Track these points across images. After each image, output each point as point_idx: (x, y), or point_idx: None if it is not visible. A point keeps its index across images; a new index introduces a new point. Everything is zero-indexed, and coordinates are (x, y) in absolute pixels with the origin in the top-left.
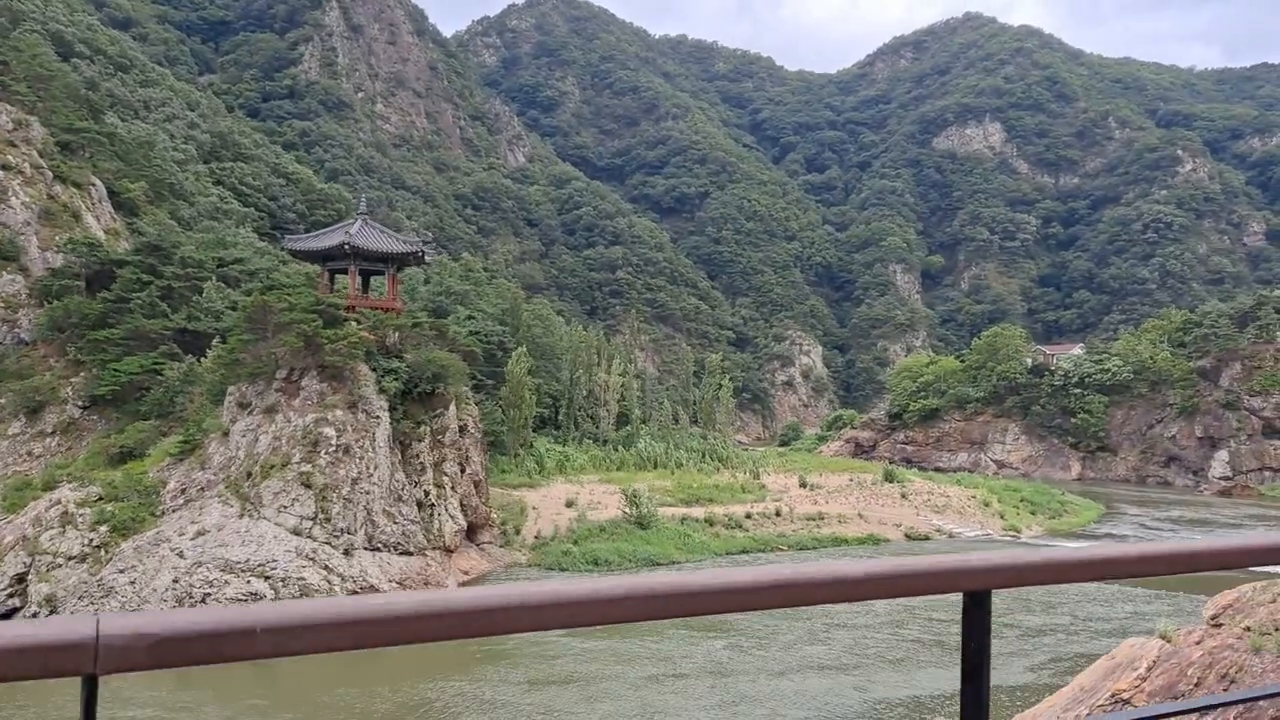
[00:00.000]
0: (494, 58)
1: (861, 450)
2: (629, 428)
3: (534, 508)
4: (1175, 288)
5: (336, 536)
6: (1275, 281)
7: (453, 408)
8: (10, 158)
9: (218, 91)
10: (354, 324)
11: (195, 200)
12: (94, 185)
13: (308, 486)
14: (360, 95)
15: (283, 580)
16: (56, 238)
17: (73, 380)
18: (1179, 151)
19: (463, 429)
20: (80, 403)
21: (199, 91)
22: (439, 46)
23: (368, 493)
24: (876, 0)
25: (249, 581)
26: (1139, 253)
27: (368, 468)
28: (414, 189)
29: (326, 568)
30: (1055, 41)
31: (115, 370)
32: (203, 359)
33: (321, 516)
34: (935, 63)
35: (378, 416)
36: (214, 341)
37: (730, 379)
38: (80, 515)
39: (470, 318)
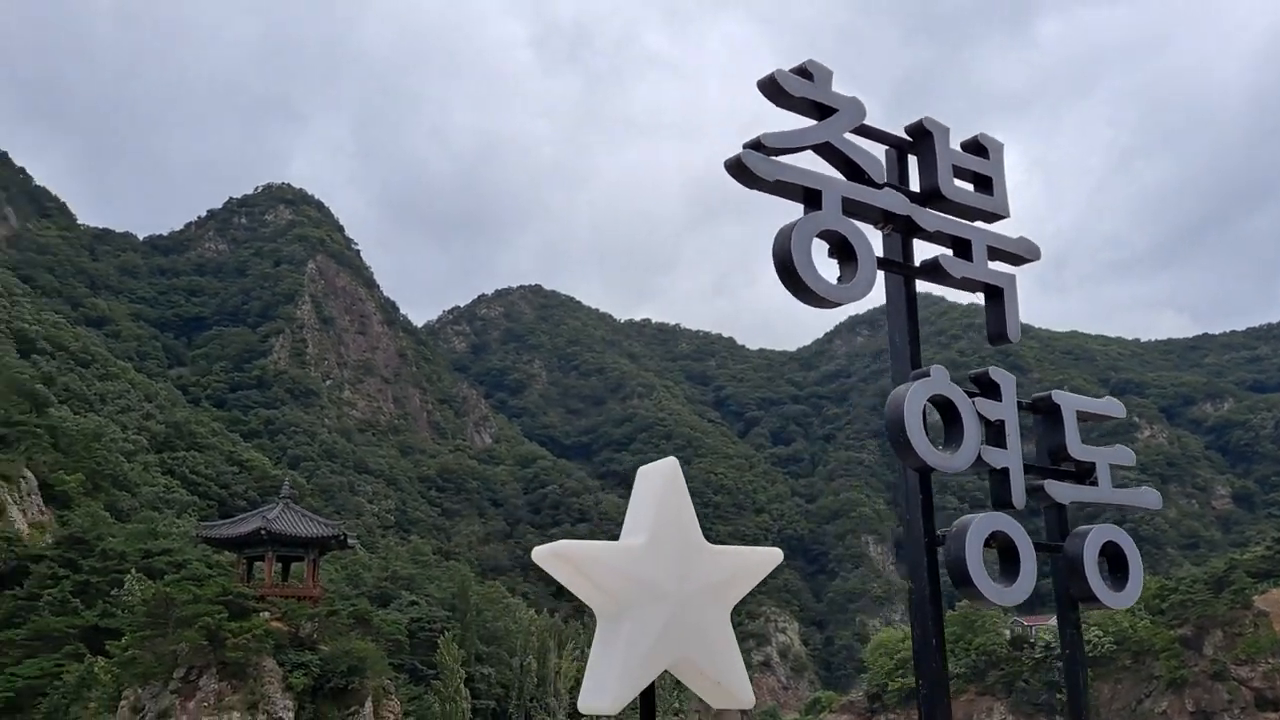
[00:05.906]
0: (464, 344)
1: None
2: None
3: None
4: (1151, 553)
5: None
6: (1246, 544)
7: (369, 704)
8: None
9: (187, 384)
10: (264, 615)
11: (138, 490)
12: (24, 478)
13: None
14: (328, 383)
15: None
16: None
17: None
18: (1136, 418)
19: None
20: None
21: (158, 383)
22: (409, 335)
23: None
24: None
25: None
26: (1111, 518)
27: None
28: (377, 472)
29: None
30: None
31: (12, 675)
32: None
33: None
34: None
35: (280, 718)
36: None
37: None
38: None
39: (414, 603)
